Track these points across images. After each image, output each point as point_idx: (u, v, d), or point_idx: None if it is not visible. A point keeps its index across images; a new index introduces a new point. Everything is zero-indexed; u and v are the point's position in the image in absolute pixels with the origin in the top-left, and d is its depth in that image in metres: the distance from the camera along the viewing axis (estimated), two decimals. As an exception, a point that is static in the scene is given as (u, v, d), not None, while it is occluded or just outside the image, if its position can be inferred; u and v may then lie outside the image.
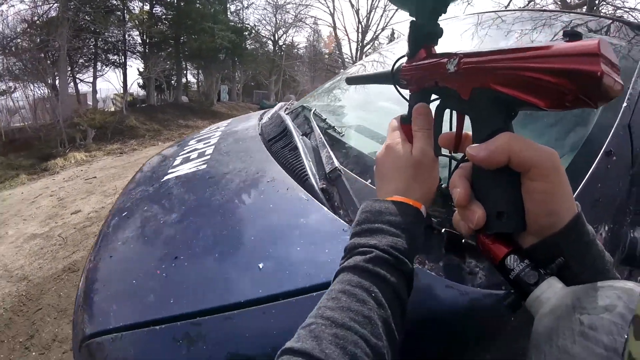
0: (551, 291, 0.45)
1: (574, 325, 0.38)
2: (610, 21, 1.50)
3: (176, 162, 1.61)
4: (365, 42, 26.33)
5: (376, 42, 26.61)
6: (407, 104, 0.78)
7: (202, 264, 0.89)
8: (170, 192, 1.30)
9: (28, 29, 15.20)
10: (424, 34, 0.73)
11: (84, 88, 22.33)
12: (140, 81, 23.23)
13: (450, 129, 0.69)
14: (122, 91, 21.26)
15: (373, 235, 0.59)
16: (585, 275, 0.48)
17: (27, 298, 3.51)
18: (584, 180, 0.83)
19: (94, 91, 21.63)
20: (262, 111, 2.43)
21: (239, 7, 28.90)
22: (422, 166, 0.67)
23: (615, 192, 0.88)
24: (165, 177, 1.44)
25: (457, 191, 0.54)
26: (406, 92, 0.80)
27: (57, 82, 15.52)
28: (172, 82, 24.75)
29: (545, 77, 0.42)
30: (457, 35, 1.71)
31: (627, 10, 10.78)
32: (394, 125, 0.77)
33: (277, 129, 1.58)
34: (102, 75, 22.00)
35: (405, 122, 0.75)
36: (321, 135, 1.28)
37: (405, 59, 0.78)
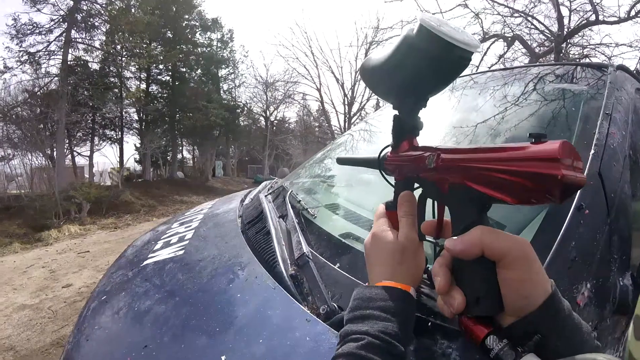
0: None
1: None
2: (574, 67, 1.56)
3: (157, 247, 1.64)
4: (352, 113, 26.72)
5: (362, 112, 27.11)
6: (387, 180, 0.85)
7: (169, 354, 0.90)
8: (147, 278, 1.32)
9: (29, 99, 15.59)
10: (406, 128, 0.78)
11: (80, 161, 22.71)
12: (137, 156, 23.45)
13: (433, 215, 0.73)
14: (118, 166, 21.39)
15: (365, 322, 0.61)
16: (563, 348, 0.51)
17: (13, 370, 3.40)
18: (556, 242, 0.82)
19: (91, 165, 21.90)
20: (247, 191, 2.46)
21: (231, 86, 29.97)
22: (407, 251, 0.70)
23: (593, 246, 0.86)
24: (145, 262, 1.46)
25: (438, 280, 0.59)
26: (392, 178, 0.84)
27: (54, 153, 15.82)
28: (168, 157, 24.99)
29: (512, 178, 0.48)
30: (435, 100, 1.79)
31: (594, 47, 10.95)
32: (379, 212, 0.80)
33: (254, 212, 1.60)
34: (99, 149, 22.41)
35: (390, 209, 0.79)
36: (294, 219, 1.32)
37: (390, 148, 0.84)
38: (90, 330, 1.13)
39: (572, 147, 0.45)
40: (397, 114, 0.79)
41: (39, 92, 16.30)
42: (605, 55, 10.65)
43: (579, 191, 0.84)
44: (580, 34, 10.79)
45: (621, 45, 10.41)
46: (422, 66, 0.66)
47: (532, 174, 0.45)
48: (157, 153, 22.35)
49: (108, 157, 26.98)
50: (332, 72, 25.48)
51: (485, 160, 0.53)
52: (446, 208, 0.66)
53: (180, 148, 27.86)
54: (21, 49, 16.91)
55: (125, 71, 20.91)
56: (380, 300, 0.63)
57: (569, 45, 11.22)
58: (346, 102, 26.01)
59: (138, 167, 25.62)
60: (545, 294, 0.52)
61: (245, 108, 30.82)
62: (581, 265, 0.82)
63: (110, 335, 1.08)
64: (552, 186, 0.44)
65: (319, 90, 25.91)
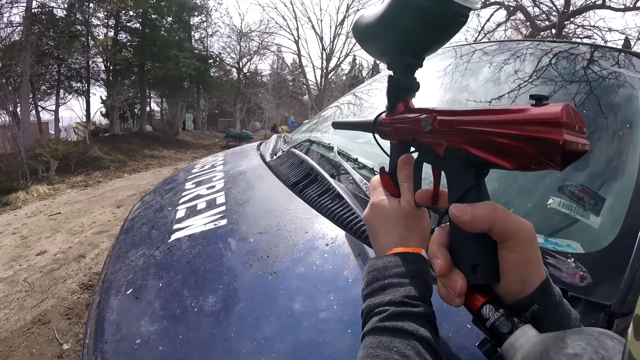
0: (525, 338, 0.46)
1: None
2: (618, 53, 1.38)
3: (179, 214, 1.34)
4: (329, 68, 26.77)
5: (339, 68, 27.21)
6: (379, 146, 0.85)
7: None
8: (190, 260, 1.02)
9: (-11, 53, 14.74)
10: (402, 89, 0.75)
11: (45, 116, 22.17)
12: (103, 110, 23.00)
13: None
14: (84, 120, 20.89)
15: (386, 292, 0.60)
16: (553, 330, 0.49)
17: (-7, 357, 3.09)
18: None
19: (57, 120, 21.30)
20: (256, 143, 2.36)
21: (203, 35, 29.35)
22: (412, 216, 0.68)
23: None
24: (173, 236, 1.17)
25: (438, 262, 0.55)
26: (386, 144, 0.81)
27: (18, 109, 15.10)
28: (136, 110, 24.60)
29: (510, 143, 0.44)
30: (441, 69, 1.71)
31: (589, 27, 11.47)
32: (374, 182, 0.78)
33: (299, 171, 1.39)
34: (65, 103, 21.88)
35: (384, 173, 0.77)
36: (366, 182, 1.12)
37: (385, 112, 0.81)
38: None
39: (576, 110, 0.42)
40: (392, 74, 0.76)
41: (0, 44, 15.40)
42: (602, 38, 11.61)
43: None
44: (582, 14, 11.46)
45: (613, 31, 11.54)
46: (416, 23, 0.63)
47: (532, 138, 0.42)
48: (124, 106, 21.71)
49: (74, 111, 26.18)
50: (312, 25, 25.21)
51: (483, 123, 0.49)
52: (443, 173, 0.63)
53: (149, 100, 27.28)
54: (-21, -2, 15.73)
55: (93, 18, 19.89)
56: (396, 267, 0.63)
57: (569, 23, 11.78)
58: (324, 57, 26.02)
59: (104, 121, 24.91)
60: (540, 279, 0.51)
61: (218, 59, 30.23)
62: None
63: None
64: (552, 152, 0.40)
65: (296, 42, 25.77)
